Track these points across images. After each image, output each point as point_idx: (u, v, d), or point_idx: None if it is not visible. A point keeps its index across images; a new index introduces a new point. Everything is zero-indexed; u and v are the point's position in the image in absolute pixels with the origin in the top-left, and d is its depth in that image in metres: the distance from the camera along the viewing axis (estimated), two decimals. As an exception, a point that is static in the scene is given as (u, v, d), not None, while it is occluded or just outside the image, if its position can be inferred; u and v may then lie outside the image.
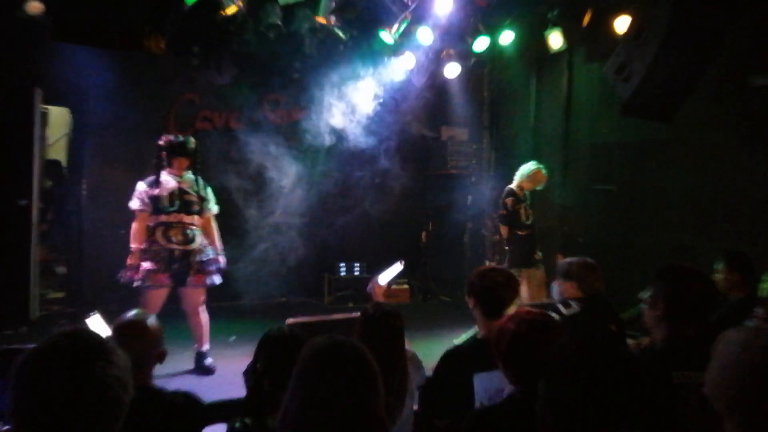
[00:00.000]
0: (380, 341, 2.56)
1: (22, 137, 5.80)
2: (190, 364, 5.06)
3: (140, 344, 2.21)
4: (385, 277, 3.46)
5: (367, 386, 1.61)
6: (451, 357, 2.63)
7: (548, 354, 1.59)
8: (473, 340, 2.75)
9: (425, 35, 6.62)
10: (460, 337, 2.89)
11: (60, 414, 1.22)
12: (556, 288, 3.53)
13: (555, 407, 1.48)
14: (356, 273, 8.00)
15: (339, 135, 7.70)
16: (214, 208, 5.20)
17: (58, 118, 7.79)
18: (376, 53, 7.32)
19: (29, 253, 5.82)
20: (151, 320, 2.35)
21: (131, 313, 2.37)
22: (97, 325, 2.95)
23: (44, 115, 6.39)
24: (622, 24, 5.99)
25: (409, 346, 2.82)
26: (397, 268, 3.80)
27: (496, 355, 2.12)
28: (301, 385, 1.61)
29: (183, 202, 4.95)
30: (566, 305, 3.26)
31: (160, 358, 2.32)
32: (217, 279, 5.10)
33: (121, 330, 2.26)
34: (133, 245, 4.89)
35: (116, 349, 1.35)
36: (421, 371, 2.80)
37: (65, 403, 1.22)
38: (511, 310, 2.54)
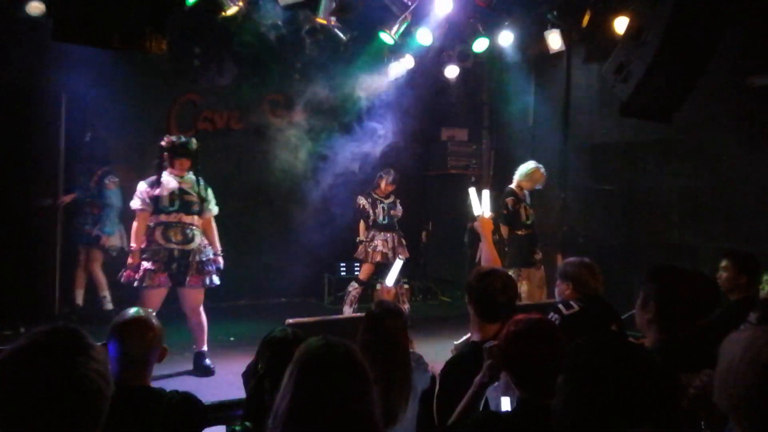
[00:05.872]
0: (384, 339, 2.55)
1: (49, 138, 5.91)
2: (189, 365, 5.05)
3: (143, 342, 2.17)
4: (391, 279, 3.45)
5: (357, 389, 1.58)
6: (454, 367, 2.58)
7: (567, 352, 1.58)
8: (472, 344, 2.72)
9: (425, 36, 6.62)
10: (461, 340, 2.86)
11: (44, 411, 1.21)
12: (557, 288, 3.53)
13: (574, 405, 1.47)
14: (356, 273, 7.97)
15: (339, 135, 7.69)
16: (214, 208, 5.21)
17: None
18: (376, 54, 7.32)
19: (55, 251, 5.94)
20: (154, 318, 2.32)
21: (133, 310, 2.31)
22: None
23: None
24: (621, 24, 6.00)
25: (414, 348, 2.80)
26: (398, 265, 3.80)
27: (500, 362, 2.11)
28: (291, 385, 1.58)
29: (183, 202, 4.96)
30: (567, 306, 3.25)
31: (161, 357, 2.29)
32: (216, 279, 5.10)
33: (124, 327, 2.20)
34: (133, 245, 4.91)
35: (94, 344, 1.34)
36: (426, 375, 2.78)
37: (48, 400, 1.21)
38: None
